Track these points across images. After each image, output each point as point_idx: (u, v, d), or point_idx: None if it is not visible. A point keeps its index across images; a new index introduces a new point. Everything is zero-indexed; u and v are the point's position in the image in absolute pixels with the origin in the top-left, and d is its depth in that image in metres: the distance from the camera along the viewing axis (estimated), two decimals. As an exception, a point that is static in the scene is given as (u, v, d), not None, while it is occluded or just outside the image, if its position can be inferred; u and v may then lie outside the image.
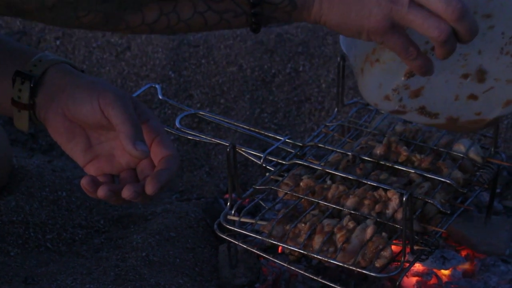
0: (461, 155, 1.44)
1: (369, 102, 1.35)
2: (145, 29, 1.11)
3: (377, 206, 1.33)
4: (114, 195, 1.09)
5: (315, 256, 1.28)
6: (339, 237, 1.29)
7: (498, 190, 1.63)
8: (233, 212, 1.40)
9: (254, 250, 1.37)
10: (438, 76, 1.29)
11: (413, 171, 1.39)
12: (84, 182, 1.10)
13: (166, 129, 1.59)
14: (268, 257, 1.35)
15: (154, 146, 1.13)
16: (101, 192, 1.09)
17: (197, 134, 1.55)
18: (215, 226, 1.41)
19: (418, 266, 1.46)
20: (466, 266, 1.49)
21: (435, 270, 1.46)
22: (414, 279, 1.45)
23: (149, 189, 1.07)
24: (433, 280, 1.45)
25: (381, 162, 1.42)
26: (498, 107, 1.30)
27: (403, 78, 1.34)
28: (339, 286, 1.29)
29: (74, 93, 1.11)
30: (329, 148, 1.48)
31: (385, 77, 1.34)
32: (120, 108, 1.09)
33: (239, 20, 1.15)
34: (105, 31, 1.13)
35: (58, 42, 2.24)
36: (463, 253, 1.51)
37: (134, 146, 1.07)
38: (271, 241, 1.32)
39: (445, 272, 1.47)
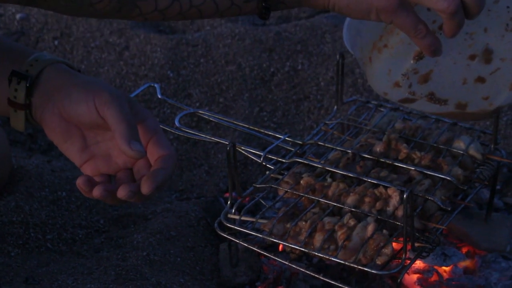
0: (461, 152, 1.44)
1: (379, 91, 1.35)
2: (158, 16, 1.11)
3: (377, 204, 1.33)
4: (109, 195, 1.09)
5: (316, 254, 1.28)
6: (340, 234, 1.29)
7: (498, 187, 1.64)
8: (233, 210, 1.40)
9: (255, 249, 1.37)
10: (446, 57, 1.29)
11: (413, 168, 1.39)
12: (79, 181, 1.09)
13: (165, 128, 1.59)
14: (269, 255, 1.35)
15: (151, 146, 1.13)
16: (97, 192, 1.09)
17: (197, 133, 1.55)
18: (216, 225, 1.41)
19: (419, 263, 1.46)
20: (467, 263, 1.49)
21: (436, 267, 1.46)
22: (415, 276, 1.45)
23: (145, 188, 1.07)
24: (434, 277, 1.45)
25: (381, 160, 1.42)
26: (505, 90, 1.30)
27: (412, 61, 1.34)
28: (341, 284, 1.29)
29: (70, 93, 1.11)
30: (329, 146, 1.48)
31: (394, 62, 1.34)
32: (116, 108, 1.09)
33: (250, 5, 1.15)
34: (117, 18, 1.12)
35: (56, 42, 2.24)
36: (464, 250, 1.52)
37: (129, 146, 1.07)
38: (272, 239, 1.32)
39: (446, 269, 1.47)
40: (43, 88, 1.14)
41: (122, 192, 1.07)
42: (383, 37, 1.34)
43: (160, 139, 1.13)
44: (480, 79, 1.32)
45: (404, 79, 1.34)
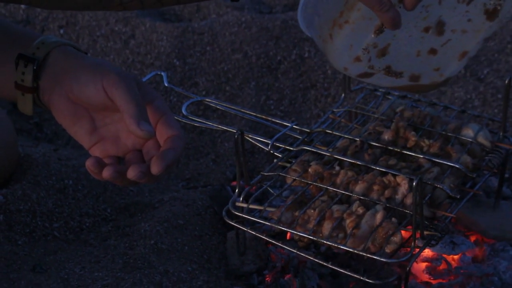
0: (470, 140, 1.43)
1: (338, 67, 1.35)
2: (137, 5, 1.10)
3: (386, 192, 1.32)
4: (119, 176, 1.08)
5: (325, 242, 1.28)
6: (348, 222, 1.28)
7: (506, 175, 1.63)
8: (241, 199, 1.39)
9: (263, 237, 1.36)
10: (402, 31, 1.31)
11: (422, 156, 1.39)
12: (89, 163, 1.09)
13: (173, 116, 1.58)
14: (278, 244, 1.34)
15: (159, 126, 1.12)
16: (107, 173, 1.08)
17: (204, 122, 1.54)
18: (224, 213, 1.41)
19: (427, 252, 1.45)
20: (475, 251, 1.49)
21: (444, 256, 1.46)
22: (423, 265, 1.45)
23: (155, 168, 1.06)
24: (442, 266, 1.45)
25: (389, 148, 1.42)
26: (454, 60, 1.32)
27: (372, 36, 1.35)
28: (349, 272, 1.29)
29: (77, 75, 1.10)
30: (337, 134, 1.47)
31: (355, 37, 1.35)
32: (124, 89, 1.08)
33: None
34: (98, 10, 1.11)
35: (62, 31, 2.23)
36: (472, 238, 1.51)
37: (138, 126, 1.06)
38: (281, 228, 1.32)
39: (455, 257, 1.46)
40: (51, 71, 1.13)
41: (132, 173, 1.07)
42: (344, 13, 1.35)
43: (168, 120, 1.12)
44: (432, 51, 1.35)
45: (365, 53, 1.35)
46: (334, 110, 1.58)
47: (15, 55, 1.14)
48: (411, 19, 1.33)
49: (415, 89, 1.40)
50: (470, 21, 1.34)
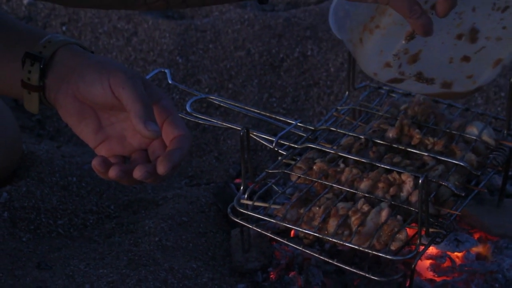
0: (474, 138, 1.43)
1: (369, 72, 1.36)
2: (162, 5, 1.10)
3: (391, 189, 1.32)
4: (125, 175, 1.09)
5: (331, 239, 1.28)
6: (354, 220, 1.29)
7: (510, 173, 1.63)
8: (245, 196, 1.40)
9: (268, 234, 1.36)
10: (435, 37, 1.30)
11: (426, 154, 1.39)
12: (95, 163, 1.09)
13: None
14: (282, 241, 1.35)
15: (166, 126, 1.12)
16: (113, 173, 1.08)
17: (208, 119, 1.54)
18: (229, 210, 1.41)
19: (431, 249, 1.45)
20: (479, 248, 1.49)
21: (448, 253, 1.46)
22: (427, 262, 1.45)
23: (161, 169, 1.07)
24: (446, 263, 1.45)
25: (394, 145, 1.42)
26: (488, 67, 1.31)
27: (403, 42, 1.35)
28: (354, 269, 1.29)
29: (84, 74, 1.10)
30: (341, 131, 1.47)
31: (386, 42, 1.35)
32: (131, 88, 1.08)
33: None
34: (122, 9, 1.11)
35: (64, 28, 2.23)
36: (476, 235, 1.51)
37: (144, 126, 1.06)
38: (286, 225, 1.32)
39: (459, 254, 1.47)
40: (57, 70, 1.13)
41: (138, 173, 1.07)
42: (375, 18, 1.35)
43: (175, 119, 1.12)
44: (466, 58, 1.34)
45: (395, 59, 1.35)
46: (338, 108, 1.58)
47: (22, 53, 1.14)
48: (444, 26, 1.32)
49: (447, 96, 1.38)
50: (505, 29, 1.32)
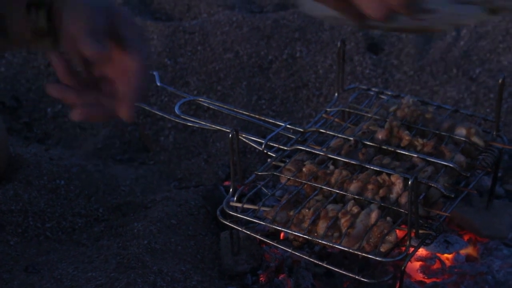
0: (463, 139, 1.43)
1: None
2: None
3: (381, 191, 1.32)
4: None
5: (320, 241, 1.28)
6: (343, 222, 1.28)
7: (499, 174, 1.63)
8: (235, 198, 1.39)
9: (258, 236, 1.36)
10: None
11: (416, 155, 1.39)
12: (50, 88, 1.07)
13: (164, 116, 1.58)
14: (272, 243, 1.34)
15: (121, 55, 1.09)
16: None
17: (197, 121, 1.54)
18: (218, 213, 1.40)
19: (421, 251, 1.45)
20: (469, 250, 1.49)
21: (438, 255, 1.46)
22: (417, 264, 1.45)
23: (124, 114, 1.05)
24: (436, 265, 1.45)
25: (383, 147, 1.41)
26: None
27: None
28: (344, 271, 1.28)
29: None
30: (331, 133, 1.47)
31: None
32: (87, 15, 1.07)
33: None
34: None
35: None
36: (466, 237, 1.51)
37: (89, 45, 1.04)
38: (275, 227, 1.31)
39: (448, 256, 1.47)
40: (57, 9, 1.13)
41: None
42: None
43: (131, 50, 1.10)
44: None
45: None
46: (327, 109, 1.58)
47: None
48: None
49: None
50: None
